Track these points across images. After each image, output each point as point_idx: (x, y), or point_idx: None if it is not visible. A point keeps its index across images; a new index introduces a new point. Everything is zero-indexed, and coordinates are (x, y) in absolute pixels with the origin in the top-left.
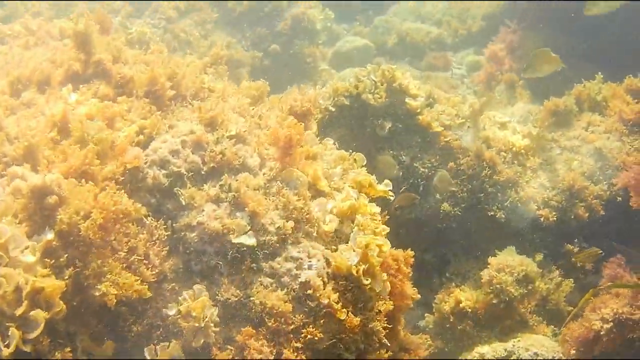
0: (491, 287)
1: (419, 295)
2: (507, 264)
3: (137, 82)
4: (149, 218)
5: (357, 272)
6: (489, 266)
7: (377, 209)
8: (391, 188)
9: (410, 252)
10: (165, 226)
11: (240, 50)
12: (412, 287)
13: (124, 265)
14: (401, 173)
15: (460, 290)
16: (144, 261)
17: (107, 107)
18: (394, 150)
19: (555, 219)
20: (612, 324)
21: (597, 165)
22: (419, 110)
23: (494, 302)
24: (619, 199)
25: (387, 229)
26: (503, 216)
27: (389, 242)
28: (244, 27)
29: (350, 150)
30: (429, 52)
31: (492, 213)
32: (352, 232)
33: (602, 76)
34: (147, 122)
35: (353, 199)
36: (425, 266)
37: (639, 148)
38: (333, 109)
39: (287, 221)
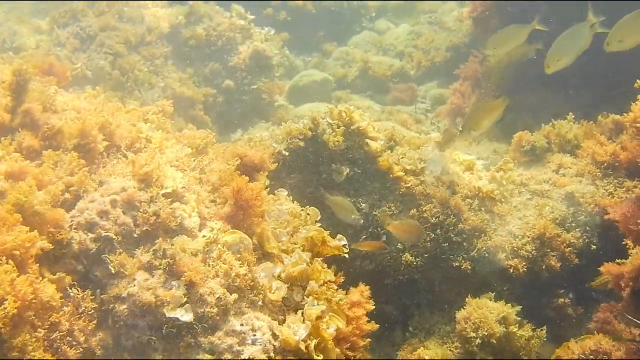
0: (467, 324)
1: None
2: (486, 305)
3: (66, 133)
4: (74, 289)
5: (306, 347)
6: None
7: (332, 276)
8: (346, 243)
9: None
10: (93, 297)
11: (192, 87)
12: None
13: (44, 344)
14: (362, 221)
15: (424, 347)
16: (67, 338)
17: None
18: (351, 197)
19: (525, 269)
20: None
21: (570, 211)
22: (379, 154)
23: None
24: (593, 247)
25: (345, 299)
26: (469, 267)
27: (344, 317)
28: (196, 62)
29: (304, 201)
30: (392, 86)
31: (457, 264)
32: (304, 301)
33: (572, 116)
34: (75, 179)
35: (305, 262)
36: (387, 319)
37: (613, 192)
38: (286, 154)
39: (229, 290)
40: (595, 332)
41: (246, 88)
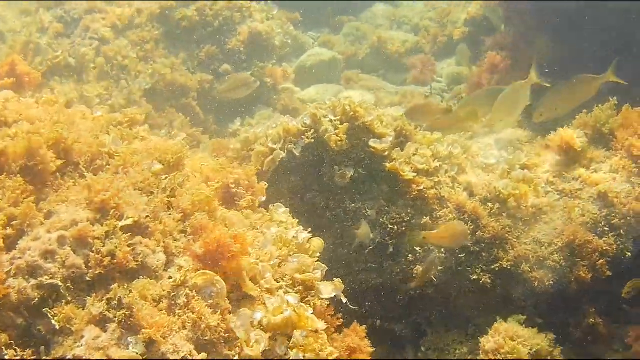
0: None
1: None
2: (517, 334)
3: (11, 154)
4: (11, 349)
5: None
6: (491, 333)
7: (322, 325)
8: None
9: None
10: (34, 358)
11: (185, 73)
12: None
13: None
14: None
15: None
16: None
17: None
18: (356, 202)
19: (552, 282)
20: None
21: (602, 214)
22: (386, 154)
23: None
24: (628, 254)
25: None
26: (489, 281)
27: None
28: (191, 46)
29: (304, 209)
30: (406, 62)
31: (475, 277)
32: (288, 354)
33: (615, 101)
34: (18, 211)
35: (291, 307)
36: (396, 339)
37: None
38: (284, 154)
39: (198, 347)
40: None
41: (247, 73)
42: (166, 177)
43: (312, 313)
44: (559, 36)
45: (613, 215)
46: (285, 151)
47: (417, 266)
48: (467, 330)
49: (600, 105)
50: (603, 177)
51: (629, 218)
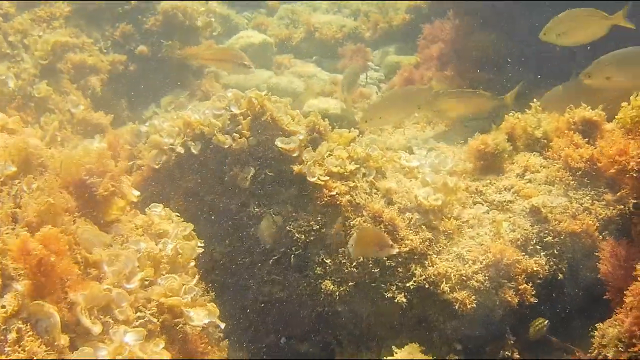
0: None
1: None
2: None
3: None
4: None
5: None
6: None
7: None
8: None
9: None
10: None
11: (95, 53)
12: None
13: None
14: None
15: None
16: None
17: None
18: (262, 206)
19: (474, 305)
20: None
21: (534, 230)
22: (295, 154)
23: None
24: (560, 276)
25: None
26: (404, 299)
27: None
28: (104, 24)
29: (203, 211)
30: (340, 49)
31: (390, 294)
32: None
33: (538, 104)
34: None
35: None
36: (303, 358)
37: (590, 208)
38: (182, 151)
39: None
40: None
41: (162, 54)
42: (19, 182)
43: (163, 347)
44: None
45: (546, 232)
46: (184, 147)
47: None
48: (379, 352)
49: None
50: (537, 188)
51: (563, 236)
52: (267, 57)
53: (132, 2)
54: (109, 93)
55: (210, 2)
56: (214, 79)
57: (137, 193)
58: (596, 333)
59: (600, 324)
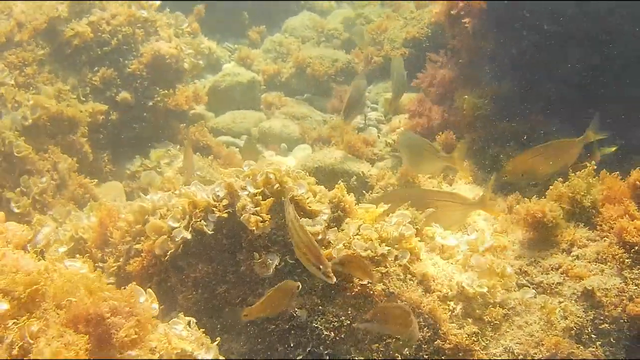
0: None
1: None
2: None
3: None
4: None
5: None
6: None
7: None
8: None
9: None
10: None
11: (74, 103)
12: None
13: None
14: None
15: None
16: None
17: None
18: None
19: None
20: None
21: (588, 317)
22: (320, 237)
23: None
24: None
25: None
26: None
27: None
28: (82, 69)
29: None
30: (335, 87)
31: None
32: None
33: (594, 166)
34: None
35: None
36: None
37: None
38: (189, 236)
39: None
40: None
41: (148, 102)
42: (14, 323)
43: None
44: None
45: (601, 318)
46: (191, 231)
47: None
48: None
49: (576, 172)
50: (588, 268)
51: (620, 321)
52: (255, 96)
53: (113, 42)
54: (87, 146)
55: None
56: (203, 126)
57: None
58: None
59: None
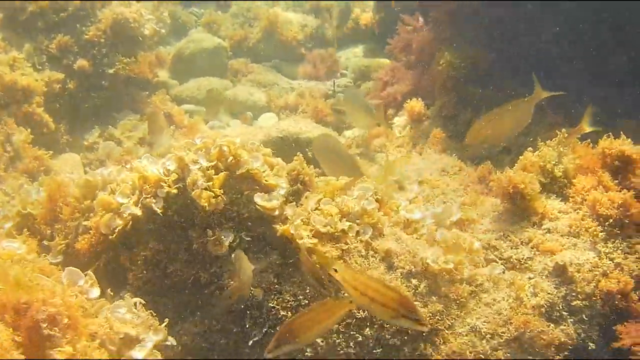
0: None
1: None
2: None
3: None
4: None
5: None
6: None
7: None
8: None
9: None
10: None
11: (29, 72)
12: None
13: None
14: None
15: None
16: None
17: None
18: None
19: None
20: None
21: (560, 294)
22: (276, 213)
23: None
24: (592, 345)
25: None
26: None
27: None
28: (38, 36)
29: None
30: (306, 53)
31: None
32: None
33: (565, 133)
34: None
35: None
36: None
37: (622, 264)
38: (138, 212)
39: None
40: None
41: (108, 70)
42: None
43: None
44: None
45: (573, 295)
46: (141, 207)
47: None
48: None
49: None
50: (560, 242)
51: (594, 298)
52: (221, 63)
53: (70, 8)
54: (47, 116)
55: (160, 1)
56: (165, 93)
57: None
58: None
59: None
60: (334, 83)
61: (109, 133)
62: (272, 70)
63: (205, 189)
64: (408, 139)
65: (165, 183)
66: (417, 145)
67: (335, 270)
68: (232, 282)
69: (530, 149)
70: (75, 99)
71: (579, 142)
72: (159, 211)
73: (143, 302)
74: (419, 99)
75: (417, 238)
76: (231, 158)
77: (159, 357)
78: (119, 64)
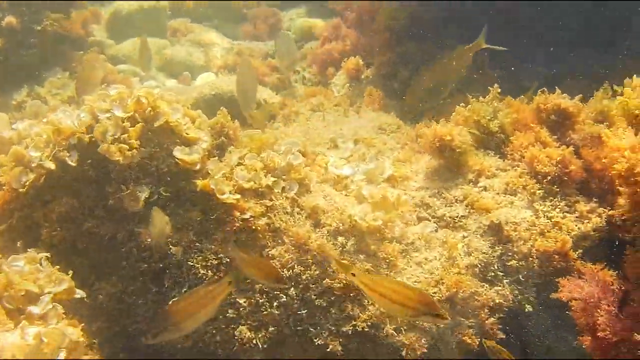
0: None
1: None
2: None
3: None
4: None
5: None
6: None
7: None
8: None
9: None
10: None
11: None
12: None
13: None
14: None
15: None
16: None
17: None
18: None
19: (425, 349)
20: None
21: (495, 254)
22: (197, 167)
23: None
24: (529, 307)
25: None
26: (339, 348)
27: None
28: None
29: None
30: (248, 12)
31: (321, 341)
32: None
33: (498, 90)
34: None
35: None
36: None
37: (561, 222)
38: (52, 166)
39: None
40: None
41: (37, 27)
42: None
43: None
44: None
45: (509, 255)
46: (54, 161)
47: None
48: None
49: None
50: (496, 200)
51: (530, 259)
52: (160, 23)
53: None
54: None
55: None
56: (98, 52)
57: None
58: None
59: None
60: (276, 43)
61: (36, 92)
62: (213, 30)
63: (120, 141)
64: (346, 98)
65: (79, 137)
66: (354, 104)
67: (353, 275)
68: (147, 240)
69: (462, 104)
70: (3, 56)
71: (512, 99)
72: (73, 164)
73: (48, 255)
74: (357, 57)
75: (346, 195)
76: (149, 109)
77: (60, 311)
78: (47, 20)
